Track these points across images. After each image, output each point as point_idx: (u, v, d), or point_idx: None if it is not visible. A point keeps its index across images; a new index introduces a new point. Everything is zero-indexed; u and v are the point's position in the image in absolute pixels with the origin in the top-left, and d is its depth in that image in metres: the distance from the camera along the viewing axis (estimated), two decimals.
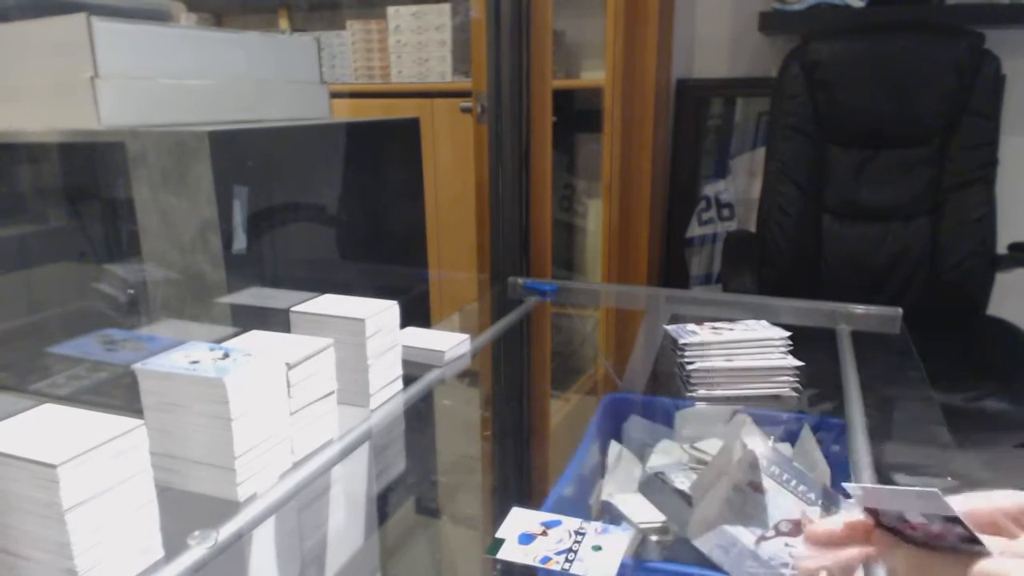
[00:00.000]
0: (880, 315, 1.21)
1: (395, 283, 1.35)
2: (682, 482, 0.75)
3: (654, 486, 0.74)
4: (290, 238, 1.05)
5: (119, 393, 0.91)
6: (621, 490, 0.78)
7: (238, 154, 0.94)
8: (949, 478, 0.80)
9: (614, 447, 0.87)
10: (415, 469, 0.85)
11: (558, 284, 1.43)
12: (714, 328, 0.99)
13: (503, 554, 0.57)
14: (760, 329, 0.98)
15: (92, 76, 0.91)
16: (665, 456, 0.84)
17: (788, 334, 0.96)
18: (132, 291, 0.97)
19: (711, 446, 0.84)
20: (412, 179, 1.38)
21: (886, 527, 0.42)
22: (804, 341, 0.98)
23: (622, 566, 0.56)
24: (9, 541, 0.53)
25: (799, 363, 0.94)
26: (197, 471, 0.66)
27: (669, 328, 1.00)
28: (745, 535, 0.65)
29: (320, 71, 1.29)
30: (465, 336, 1.06)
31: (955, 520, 0.37)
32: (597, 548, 0.57)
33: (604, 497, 0.77)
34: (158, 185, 0.91)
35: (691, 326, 1.00)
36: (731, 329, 0.98)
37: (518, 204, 1.48)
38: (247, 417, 0.65)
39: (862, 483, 0.62)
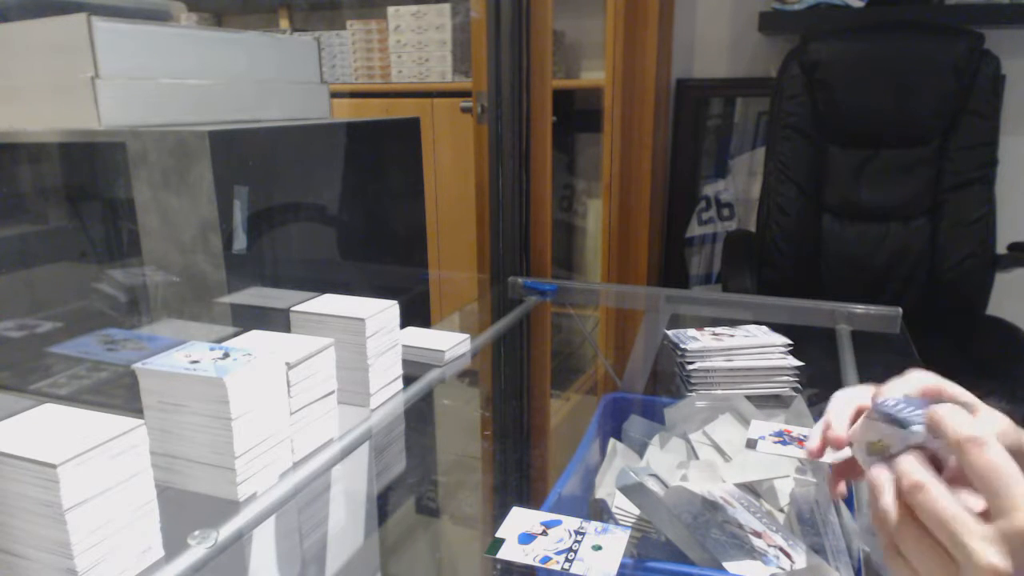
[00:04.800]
0: (880, 315, 1.21)
1: (395, 283, 1.35)
2: (670, 481, 0.75)
3: (635, 488, 0.74)
4: (290, 238, 1.05)
5: (119, 393, 0.91)
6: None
7: (238, 154, 0.94)
8: None
9: (613, 446, 0.87)
10: (415, 469, 0.85)
11: (558, 284, 1.43)
12: (715, 334, 0.99)
13: (503, 554, 0.57)
14: (761, 335, 0.98)
15: (92, 76, 0.91)
16: (660, 452, 0.84)
17: (789, 342, 0.96)
18: (132, 291, 0.97)
19: (703, 438, 0.84)
20: (412, 179, 1.38)
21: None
22: (804, 341, 0.98)
23: (622, 566, 0.56)
24: (9, 541, 0.53)
25: (799, 363, 0.94)
26: (197, 471, 0.66)
27: (670, 333, 1.00)
28: None
29: (320, 71, 1.29)
30: (465, 336, 1.06)
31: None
32: (597, 548, 0.57)
33: (600, 495, 0.77)
34: (158, 185, 0.92)
35: (692, 331, 1.00)
36: (732, 335, 0.98)
37: (518, 204, 1.48)
38: (247, 417, 0.65)
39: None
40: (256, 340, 0.76)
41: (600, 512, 0.73)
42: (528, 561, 0.56)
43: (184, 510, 0.65)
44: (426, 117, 2.22)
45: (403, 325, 0.91)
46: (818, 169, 1.82)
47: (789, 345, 0.96)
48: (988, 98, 1.69)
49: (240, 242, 0.93)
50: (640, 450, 0.87)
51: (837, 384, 0.97)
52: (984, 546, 0.38)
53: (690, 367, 0.93)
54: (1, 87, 0.97)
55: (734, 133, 2.32)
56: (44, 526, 0.51)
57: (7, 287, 0.99)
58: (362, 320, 0.83)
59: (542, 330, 1.38)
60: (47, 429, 0.54)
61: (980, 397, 0.49)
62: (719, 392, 0.92)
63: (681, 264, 2.37)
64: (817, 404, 0.93)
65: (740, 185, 2.34)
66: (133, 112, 0.95)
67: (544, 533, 0.59)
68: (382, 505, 0.80)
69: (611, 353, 1.38)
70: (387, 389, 0.90)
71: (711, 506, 0.68)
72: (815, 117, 1.79)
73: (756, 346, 0.96)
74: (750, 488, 0.76)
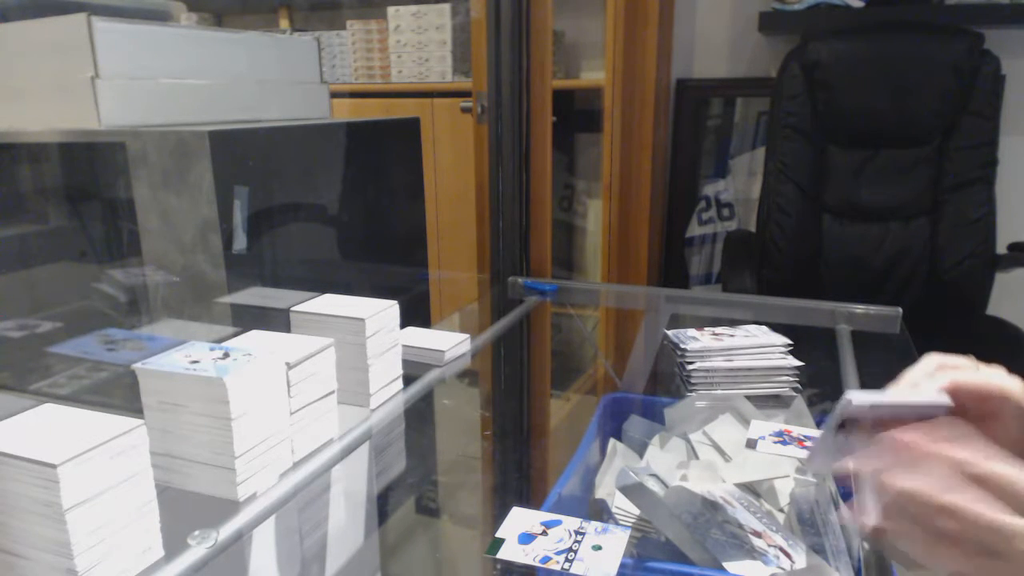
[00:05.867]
0: (880, 315, 1.21)
1: (395, 283, 1.35)
2: (670, 481, 0.75)
3: (635, 488, 0.74)
4: (290, 238, 1.05)
5: (119, 393, 0.91)
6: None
7: (238, 154, 0.94)
8: None
9: (613, 446, 0.87)
10: (415, 469, 0.85)
11: (558, 284, 1.43)
12: (715, 334, 0.99)
13: (503, 554, 0.57)
14: (761, 335, 0.98)
15: (92, 76, 0.91)
16: (660, 452, 0.84)
17: (789, 342, 0.96)
18: (132, 291, 0.97)
19: (703, 438, 0.84)
20: (412, 179, 1.38)
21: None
22: (804, 341, 0.98)
23: (622, 566, 0.56)
24: (9, 541, 0.53)
25: (799, 363, 0.94)
26: (197, 471, 0.66)
27: (670, 333, 1.01)
28: None
29: (320, 71, 1.29)
30: (465, 336, 1.06)
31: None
32: (597, 548, 0.57)
33: (600, 495, 0.77)
34: (158, 185, 0.91)
35: (692, 331, 1.00)
36: (732, 335, 0.98)
37: (518, 204, 1.48)
38: (247, 417, 0.65)
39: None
40: (256, 340, 0.76)
41: (600, 512, 0.73)
42: (528, 561, 0.56)
43: (184, 510, 0.65)
44: (426, 117, 2.22)
45: (403, 325, 0.91)
46: (818, 169, 1.82)
47: (789, 345, 0.96)
48: (988, 98, 1.69)
49: (240, 242, 0.93)
50: (640, 450, 0.87)
51: (837, 384, 0.98)
52: None
53: (690, 367, 0.93)
54: (1, 87, 0.97)
55: (734, 133, 2.32)
56: (44, 526, 0.51)
57: (7, 287, 0.99)
58: (362, 320, 0.83)
59: (542, 330, 1.38)
60: (47, 429, 0.54)
61: None
62: (719, 392, 0.92)
63: (681, 264, 2.37)
64: (817, 404, 0.93)
65: (740, 185, 2.34)
66: (133, 112, 0.95)
67: (544, 533, 0.59)
68: (382, 505, 0.80)
69: (611, 353, 1.38)
70: (387, 389, 0.90)
71: (711, 506, 0.68)
72: (815, 117, 1.79)
73: (756, 346, 0.96)
74: (750, 488, 0.76)
